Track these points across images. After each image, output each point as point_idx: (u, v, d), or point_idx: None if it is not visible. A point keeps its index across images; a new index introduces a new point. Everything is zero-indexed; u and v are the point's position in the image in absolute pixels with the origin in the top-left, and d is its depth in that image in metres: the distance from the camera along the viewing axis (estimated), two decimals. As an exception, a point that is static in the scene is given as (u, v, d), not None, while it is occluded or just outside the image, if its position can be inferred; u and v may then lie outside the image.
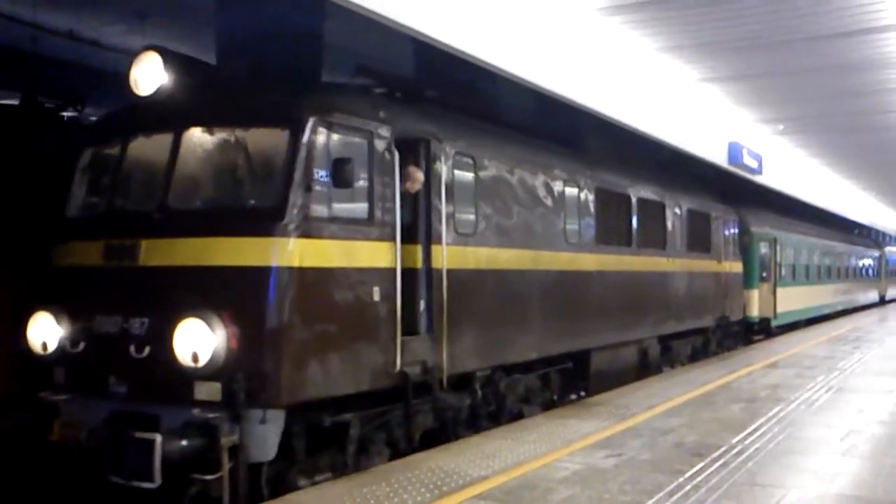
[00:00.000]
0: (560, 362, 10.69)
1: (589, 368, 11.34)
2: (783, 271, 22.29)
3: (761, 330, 20.66)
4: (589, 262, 11.19)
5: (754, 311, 19.96)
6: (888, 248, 45.14)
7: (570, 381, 11.18)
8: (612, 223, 12.16)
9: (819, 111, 17.24)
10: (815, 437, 8.40)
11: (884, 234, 46.19)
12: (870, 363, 14.98)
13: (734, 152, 17.81)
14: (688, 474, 6.81)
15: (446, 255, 7.97)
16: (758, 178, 19.91)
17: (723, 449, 7.75)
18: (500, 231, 9.15)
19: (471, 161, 8.66)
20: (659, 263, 13.74)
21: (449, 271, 8.01)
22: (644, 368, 13.27)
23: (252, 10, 7.87)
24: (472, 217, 8.66)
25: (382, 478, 6.68)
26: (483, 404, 8.99)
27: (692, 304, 15.23)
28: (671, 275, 14.24)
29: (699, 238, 15.83)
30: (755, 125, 18.51)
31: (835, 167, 26.01)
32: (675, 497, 6.18)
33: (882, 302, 41.01)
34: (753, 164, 19.10)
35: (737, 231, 18.21)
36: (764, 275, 20.38)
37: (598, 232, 11.47)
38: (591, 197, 11.35)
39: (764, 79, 14.44)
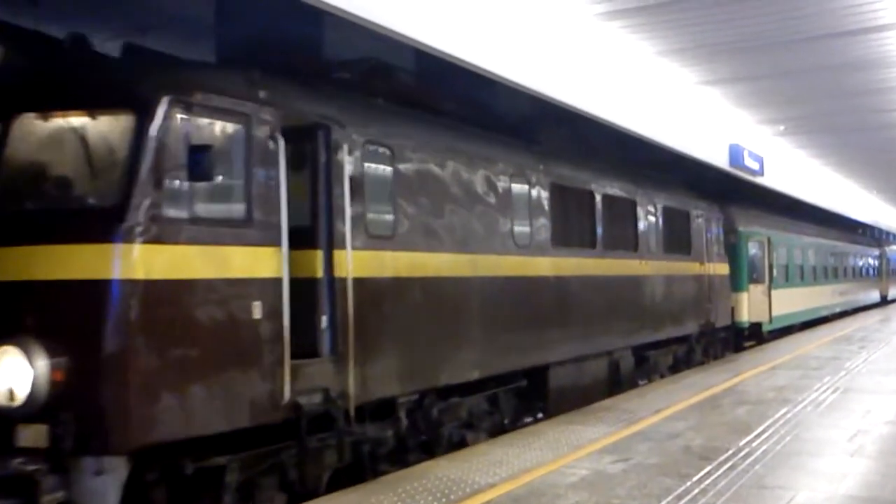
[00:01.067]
0: (512, 380, 9.56)
1: (547, 386, 10.17)
2: (777, 272, 21.21)
3: (753, 335, 19.41)
4: (543, 266, 10.08)
5: (744, 316, 18.58)
6: (890, 248, 44.38)
7: (526, 401, 10.10)
8: (572, 223, 11.09)
9: (819, 111, 17.24)
10: (822, 439, 8.37)
11: (886, 233, 45.76)
12: (877, 363, 14.95)
13: (735, 154, 17.80)
14: (695, 478, 6.79)
15: (352, 262, 6.80)
16: (759, 180, 19.89)
17: (730, 452, 7.73)
18: (429, 233, 7.98)
19: (387, 152, 7.53)
20: (630, 267, 12.62)
21: (359, 280, 6.88)
22: (616, 383, 12.05)
23: (251, 20, 7.89)
24: (389, 217, 7.51)
25: (390, 487, 6.66)
26: (411, 434, 7.88)
27: (671, 310, 14.10)
28: (645, 279, 13.06)
29: (678, 238, 14.74)
30: (756, 127, 18.51)
31: (836, 167, 25.99)
32: (683, 501, 6.16)
33: (884, 302, 40.27)
34: (755, 165, 19.09)
35: (721, 230, 17.11)
36: (755, 276, 19.23)
37: (554, 233, 10.33)
38: (544, 194, 10.23)
39: (764, 80, 14.45)
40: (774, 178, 21.16)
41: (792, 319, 22.66)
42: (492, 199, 9.15)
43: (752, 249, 19.46)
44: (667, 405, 10.48)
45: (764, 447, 7.94)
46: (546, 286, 10.11)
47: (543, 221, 10.21)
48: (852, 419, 9.37)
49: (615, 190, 12.41)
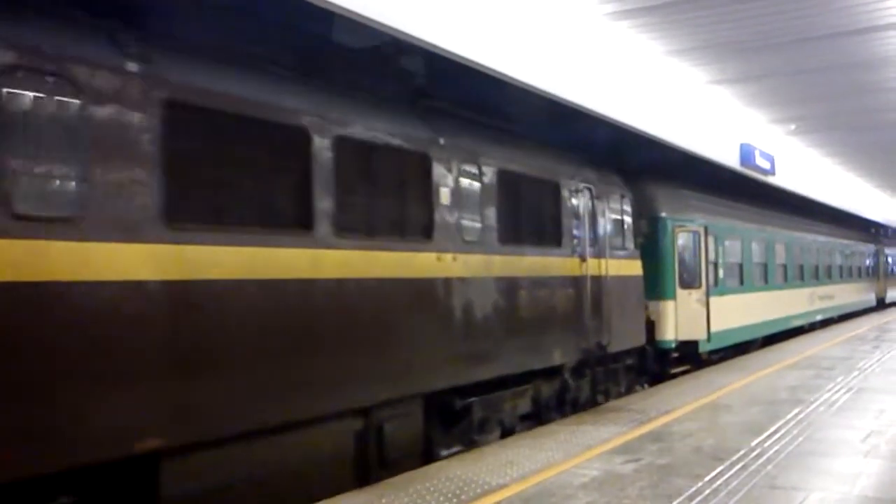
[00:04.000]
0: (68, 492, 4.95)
1: (159, 492, 5.40)
2: (722, 273, 16.46)
3: (686, 358, 14.60)
4: (149, 264, 5.30)
5: (669, 333, 13.91)
6: (890, 246, 39.50)
7: None
8: (239, 184, 6.23)
9: (830, 110, 17.18)
10: (836, 439, 8.32)
11: (885, 228, 41.51)
12: (893, 362, 14.86)
13: (746, 154, 17.74)
14: (707, 478, 6.77)
15: None
16: (771, 179, 19.81)
17: (742, 452, 7.70)
18: None
19: None
20: (410, 264, 7.72)
21: None
22: (382, 465, 7.35)
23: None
24: None
25: (401, 488, 6.67)
26: None
27: (517, 330, 9.28)
28: (450, 284, 8.23)
29: (533, 222, 10.02)
30: (767, 126, 18.45)
31: (848, 166, 25.86)
32: (694, 501, 6.15)
33: (881, 306, 35.49)
34: (766, 165, 19.01)
35: (629, 215, 12.33)
36: (687, 279, 14.40)
37: (165, 201, 5.43)
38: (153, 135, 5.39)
39: (774, 79, 14.41)
40: (786, 178, 21.07)
41: (744, 334, 17.41)
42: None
43: (683, 243, 14.60)
44: (678, 405, 10.45)
45: (776, 447, 7.91)
46: (152, 300, 5.30)
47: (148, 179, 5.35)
48: (866, 420, 9.32)
49: (375, 133, 7.45)
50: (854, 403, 10.42)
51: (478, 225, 8.80)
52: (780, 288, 20.57)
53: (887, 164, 25.93)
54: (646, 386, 13.10)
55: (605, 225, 11.41)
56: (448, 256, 8.27)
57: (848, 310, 28.46)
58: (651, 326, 13.55)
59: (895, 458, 7.47)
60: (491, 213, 9.01)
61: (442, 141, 8.38)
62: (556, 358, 10.22)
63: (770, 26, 11.37)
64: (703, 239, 14.80)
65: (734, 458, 7.49)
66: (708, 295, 14.58)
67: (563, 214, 10.47)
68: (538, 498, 6.34)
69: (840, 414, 9.71)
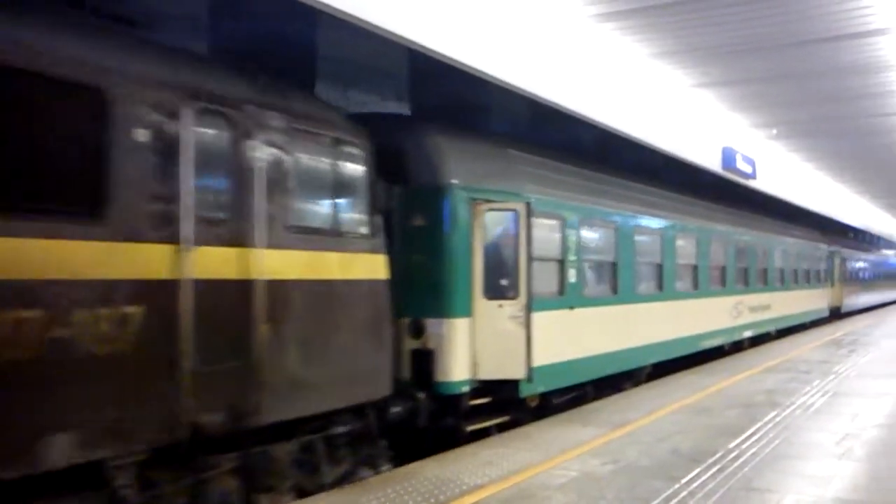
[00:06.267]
0: None
1: None
2: (574, 276, 11.01)
3: (498, 407, 9.44)
4: None
5: (458, 370, 8.86)
6: (846, 249, 33.84)
7: None
8: None
9: (811, 115, 17.31)
10: (811, 442, 8.40)
11: (853, 228, 37.22)
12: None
13: (728, 157, 17.85)
14: (684, 480, 6.81)
15: None
16: (752, 183, 19.95)
17: (719, 454, 7.76)
18: None
19: None
20: None
21: None
22: None
23: (243, 21, 7.86)
24: None
25: (379, 488, 6.66)
26: None
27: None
28: None
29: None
30: (749, 130, 18.58)
31: (828, 171, 26.08)
32: (671, 503, 6.18)
33: (836, 316, 30.31)
34: (748, 168, 19.14)
35: (366, 175, 7.50)
36: (496, 284, 9.37)
37: None
38: None
39: (757, 84, 14.49)
40: (767, 182, 21.24)
41: (607, 364, 11.83)
42: None
43: (494, 228, 9.63)
44: (656, 407, 10.48)
45: (753, 450, 7.98)
46: None
47: None
48: (840, 422, 9.41)
49: None
50: (829, 407, 10.51)
51: None
52: (683, 297, 14.98)
53: (869, 170, 26.17)
54: (389, 467, 7.72)
55: (275, 186, 6.41)
56: None
57: (790, 322, 23.20)
58: (425, 359, 8.73)
59: (869, 461, 7.54)
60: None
61: None
62: (58, 454, 4.74)
63: (754, 31, 11.44)
64: (523, 222, 9.44)
65: (711, 460, 7.53)
66: (529, 309, 9.30)
67: (111, 152, 5.22)
68: (516, 499, 6.34)
69: (816, 417, 9.80)
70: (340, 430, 7.22)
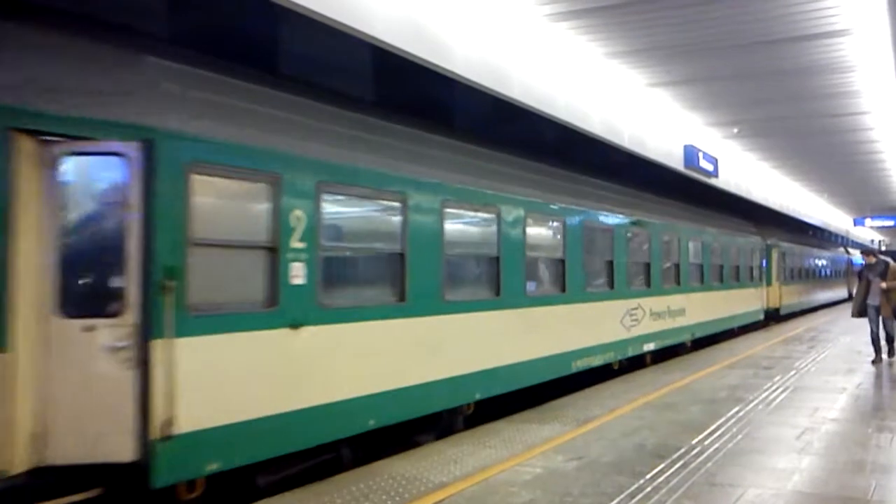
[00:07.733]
0: None
1: None
2: (302, 276, 6.85)
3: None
4: None
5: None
6: (785, 243, 28.86)
7: None
8: None
9: (771, 115, 17.54)
10: (772, 437, 8.50)
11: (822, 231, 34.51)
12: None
13: (690, 156, 18.04)
14: (648, 476, 6.85)
15: None
16: (714, 182, 20.19)
17: (683, 450, 7.82)
18: None
19: None
20: None
21: None
22: None
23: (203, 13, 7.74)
24: None
25: (343, 486, 6.60)
26: None
27: None
28: None
29: None
30: (708, 129, 18.78)
31: (787, 170, 26.49)
32: (636, 498, 6.21)
33: (774, 319, 26.75)
34: (709, 167, 19.36)
35: None
36: (90, 289, 5.76)
37: None
38: None
39: (716, 83, 14.63)
40: (728, 181, 21.51)
41: (382, 410, 7.80)
42: None
43: (86, 189, 5.79)
44: (622, 404, 10.55)
45: (716, 445, 8.05)
46: None
47: None
48: (801, 417, 9.55)
49: None
50: (790, 402, 10.66)
51: None
52: (540, 303, 10.99)
53: (827, 169, 26.58)
54: None
55: None
56: None
57: (711, 330, 19.22)
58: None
59: (827, 454, 7.65)
60: None
61: None
62: None
63: (709, 31, 11.52)
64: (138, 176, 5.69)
65: (675, 455, 7.59)
66: (150, 334, 5.62)
67: None
68: (481, 496, 6.33)
69: (777, 412, 9.92)
70: None
